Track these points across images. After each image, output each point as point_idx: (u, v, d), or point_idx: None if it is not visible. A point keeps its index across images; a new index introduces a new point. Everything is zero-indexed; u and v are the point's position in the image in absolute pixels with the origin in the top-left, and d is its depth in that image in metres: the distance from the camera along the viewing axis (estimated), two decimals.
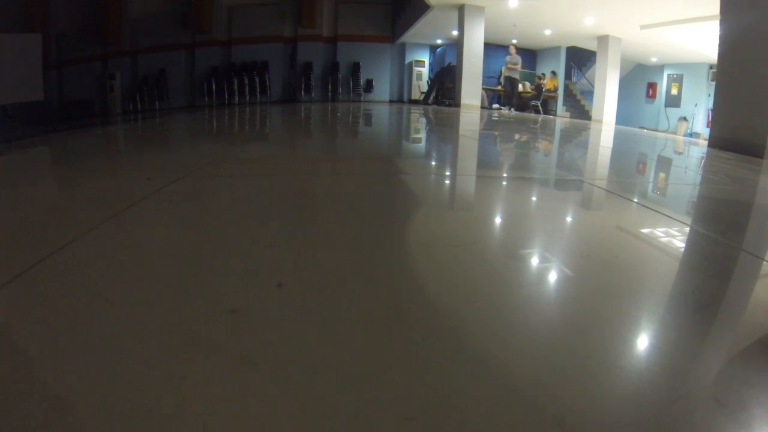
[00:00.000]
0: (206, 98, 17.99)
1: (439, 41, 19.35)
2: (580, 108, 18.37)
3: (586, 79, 18.80)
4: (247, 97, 18.04)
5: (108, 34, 18.14)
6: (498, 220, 1.90)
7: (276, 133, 6.09)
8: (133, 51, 18.48)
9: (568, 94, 18.92)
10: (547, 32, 16.47)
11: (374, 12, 18.79)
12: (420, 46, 19.89)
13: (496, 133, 6.71)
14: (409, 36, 18.02)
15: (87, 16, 18.14)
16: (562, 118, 16.23)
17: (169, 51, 18.40)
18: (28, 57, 14.74)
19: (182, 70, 18.50)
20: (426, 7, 14.00)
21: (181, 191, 2.22)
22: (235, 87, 18.04)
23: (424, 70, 19.93)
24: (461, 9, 13.75)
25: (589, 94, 18.00)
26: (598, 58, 16.20)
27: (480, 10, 13.71)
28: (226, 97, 17.96)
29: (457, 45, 14.77)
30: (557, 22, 14.98)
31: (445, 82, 17.19)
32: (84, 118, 15.00)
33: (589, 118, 16.81)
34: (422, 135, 6.01)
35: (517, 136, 6.31)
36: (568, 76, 18.97)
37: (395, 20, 18.62)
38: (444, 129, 6.77)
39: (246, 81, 18.06)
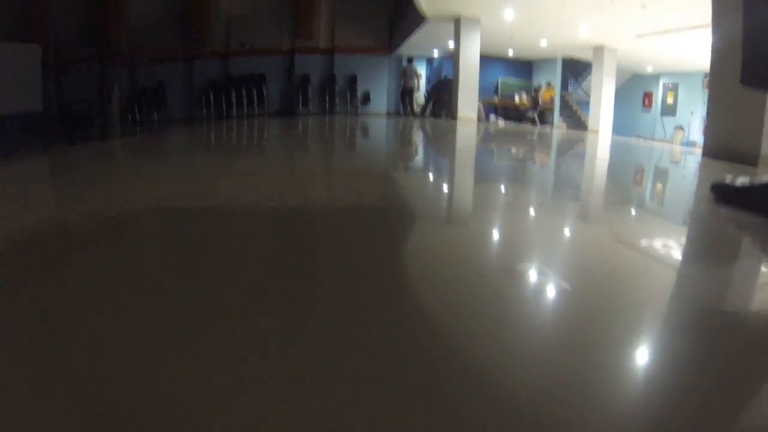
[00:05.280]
0: (204, 110, 18.10)
1: (435, 53, 19.45)
2: (577, 119, 18.52)
3: (582, 90, 18.93)
4: (245, 109, 18.15)
5: (106, 43, 18.32)
6: (492, 235, 1.90)
7: (272, 148, 6.10)
8: (131, 61, 18.62)
9: (565, 104, 19.06)
10: (543, 43, 16.58)
11: (371, 24, 18.86)
12: (416, 57, 19.99)
13: (493, 146, 6.73)
14: (406, 48, 18.11)
15: (85, 25, 18.35)
16: (558, 129, 16.33)
17: (167, 62, 18.56)
18: (27, 67, 14.83)
19: (180, 82, 18.63)
20: (422, 19, 14.09)
21: (172, 204, 2.23)
22: (233, 99, 18.15)
23: (422, 82, 20.01)
24: (457, 21, 13.85)
25: (585, 104, 18.05)
26: (594, 68, 16.30)
27: (476, 22, 13.80)
28: (224, 109, 18.08)
29: (453, 57, 14.85)
30: (553, 33, 15.12)
31: (442, 95, 17.26)
32: (82, 129, 15.03)
33: (585, 128, 16.89)
34: (420, 150, 6.01)
35: (513, 150, 6.33)
36: (564, 86, 19.10)
37: (392, 32, 18.73)
38: (442, 143, 6.77)
39: (243, 93, 18.17)
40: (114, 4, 18.24)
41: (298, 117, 15.71)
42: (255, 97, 18.27)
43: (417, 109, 18.57)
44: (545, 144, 7.52)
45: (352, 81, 18.99)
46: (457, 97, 14.27)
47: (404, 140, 6.88)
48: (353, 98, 18.96)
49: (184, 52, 18.64)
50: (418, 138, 7.16)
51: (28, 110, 14.69)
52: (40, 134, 14.17)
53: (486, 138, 8.22)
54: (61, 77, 18.34)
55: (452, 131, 9.46)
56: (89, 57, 18.60)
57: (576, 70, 18.92)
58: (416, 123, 12.38)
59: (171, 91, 18.51)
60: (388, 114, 19.33)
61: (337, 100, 18.89)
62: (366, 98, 19.14)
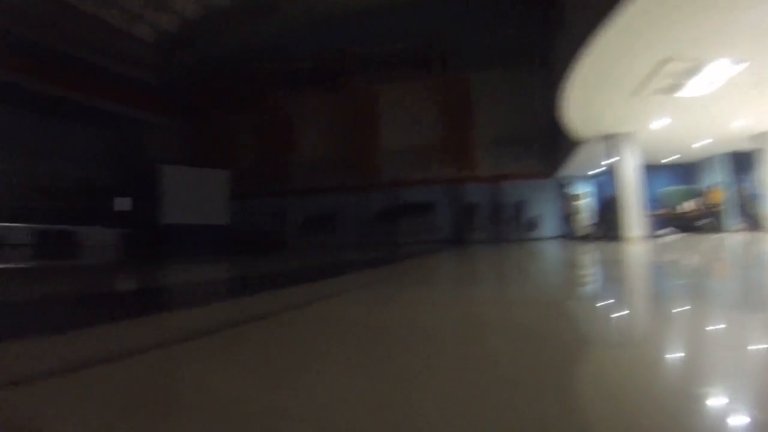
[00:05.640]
0: (375, 237, 20.29)
1: (597, 170, 19.81)
2: (753, 216, 17.13)
3: (753, 183, 17.45)
4: (415, 237, 19.83)
5: (283, 174, 22.65)
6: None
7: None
8: (306, 191, 22.14)
9: (738, 202, 17.95)
10: (702, 143, 16.30)
11: (532, 150, 20.27)
12: (579, 178, 20.59)
13: (682, 271, 5.75)
14: (568, 169, 18.77)
15: (265, 157, 22.69)
16: (738, 233, 15.22)
17: (339, 192, 21.93)
18: (218, 188, 19.42)
19: (352, 210, 21.68)
20: (578, 141, 14.86)
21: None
22: (403, 227, 20.13)
23: (585, 203, 20.37)
24: (612, 138, 14.28)
25: (759, 197, 16.53)
26: (762, 156, 15.55)
27: (631, 136, 14.12)
28: (395, 236, 19.99)
29: (612, 175, 14.95)
30: (710, 131, 14.93)
31: (608, 215, 17.11)
32: (261, 247, 18.19)
33: (763, 226, 15.69)
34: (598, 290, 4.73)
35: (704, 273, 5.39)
36: (733, 183, 18.13)
37: (552, 155, 19.51)
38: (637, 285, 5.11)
39: (414, 221, 20.19)
40: (289, 146, 22.66)
41: (470, 246, 16.20)
42: (425, 224, 19.97)
43: (586, 230, 18.63)
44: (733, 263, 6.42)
45: (518, 207, 20.17)
46: (621, 215, 14.12)
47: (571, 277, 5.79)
48: (520, 225, 19.92)
49: (355, 184, 21.63)
50: (590, 275, 5.88)
51: (216, 223, 18.81)
52: (225, 245, 17.76)
53: (664, 261, 6.96)
54: (247, 201, 21.91)
55: (622, 257, 8.26)
56: (270, 188, 22.46)
57: (742, 162, 17.77)
58: (581, 249, 11.19)
59: (343, 218, 21.47)
60: (555, 238, 19.42)
61: (505, 227, 20.06)
62: (533, 223, 19.67)
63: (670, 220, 18.75)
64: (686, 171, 20.21)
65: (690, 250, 8.94)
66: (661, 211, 19.17)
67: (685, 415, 1.20)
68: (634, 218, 14.06)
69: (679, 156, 18.63)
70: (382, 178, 21.29)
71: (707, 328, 2.39)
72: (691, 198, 19.05)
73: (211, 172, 19.63)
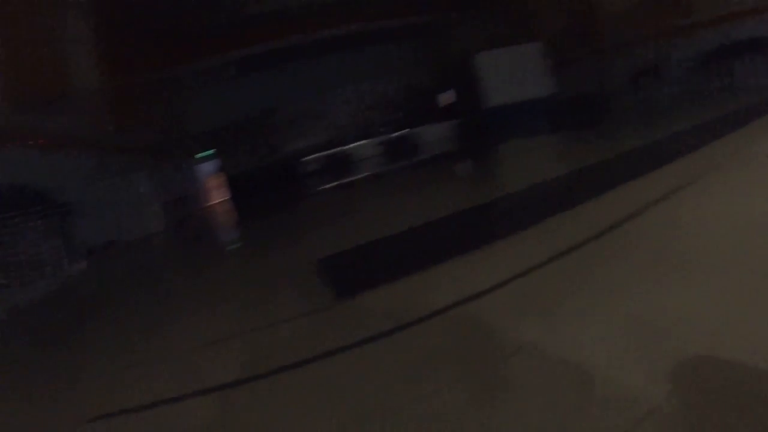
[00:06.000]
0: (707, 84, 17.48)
1: None
2: None
3: None
4: (754, 80, 16.16)
5: (593, 33, 20.47)
6: None
7: None
8: (621, 45, 19.78)
9: None
10: None
11: None
12: None
13: None
14: None
15: (569, 20, 21.01)
16: None
17: (659, 39, 18.91)
18: (534, 62, 19.84)
19: (677, 57, 18.41)
20: None
21: None
22: (738, 69, 16.92)
23: None
24: None
25: None
26: None
27: None
28: (730, 81, 16.96)
29: None
30: None
31: None
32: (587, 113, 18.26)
33: None
34: None
35: None
36: None
37: None
38: None
39: (749, 61, 16.10)
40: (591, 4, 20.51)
41: None
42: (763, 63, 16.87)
43: None
44: None
45: None
46: None
47: None
48: None
49: (676, 26, 18.35)
50: None
51: (539, 96, 19.59)
52: (551, 116, 18.60)
53: None
54: (563, 68, 21.21)
55: None
56: (583, 50, 20.97)
57: None
58: None
59: (669, 68, 18.12)
60: None
61: None
62: None
63: None
64: None
65: None
66: None
67: None
68: None
69: None
70: (705, 16, 18.50)
71: None
72: None
73: (524, 47, 20.10)
